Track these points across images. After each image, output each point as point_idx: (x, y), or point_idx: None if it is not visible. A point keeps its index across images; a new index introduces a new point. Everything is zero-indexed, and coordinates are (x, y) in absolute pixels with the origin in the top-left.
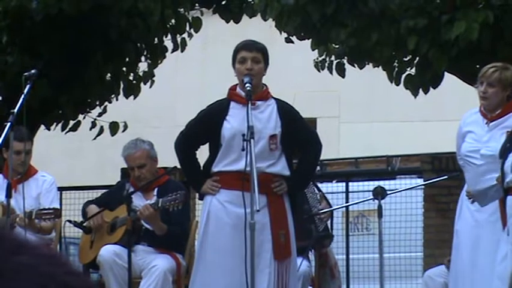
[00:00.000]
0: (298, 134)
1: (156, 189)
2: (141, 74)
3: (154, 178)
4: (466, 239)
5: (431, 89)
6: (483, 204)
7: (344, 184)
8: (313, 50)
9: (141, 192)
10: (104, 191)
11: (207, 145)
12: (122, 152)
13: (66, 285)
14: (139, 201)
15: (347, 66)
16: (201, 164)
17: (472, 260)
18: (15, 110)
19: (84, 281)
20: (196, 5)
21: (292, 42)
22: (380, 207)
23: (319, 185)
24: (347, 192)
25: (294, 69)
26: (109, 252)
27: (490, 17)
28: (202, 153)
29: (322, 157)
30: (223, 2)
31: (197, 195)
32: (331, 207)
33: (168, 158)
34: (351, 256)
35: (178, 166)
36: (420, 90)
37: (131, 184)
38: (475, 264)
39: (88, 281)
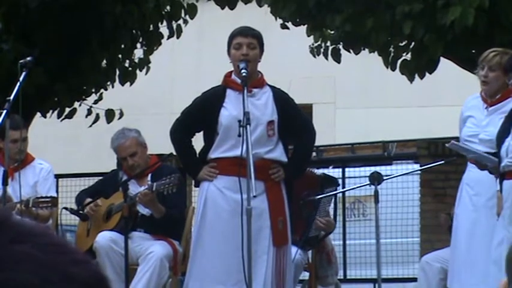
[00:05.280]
0: (293, 121)
1: (149, 175)
2: (136, 61)
3: (147, 167)
4: (463, 222)
5: (427, 74)
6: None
7: (340, 170)
8: (308, 36)
9: (135, 179)
10: (101, 178)
11: (201, 133)
12: (111, 144)
13: (69, 276)
14: (133, 188)
15: (343, 51)
16: (197, 152)
17: (468, 243)
18: (11, 97)
19: (90, 270)
20: None
21: (288, 28)
22: (376, 192)
23: (315, 170)
24: (343, 178)
25: (290, 55)
26: (105, 238)
27: (486, 2)
28: (197, 141)
29: (318, 143)
30: None
31: (193, 181)
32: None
33: (164, 145)
34: (347, 242)
35: (174, 153)
36: (416, 76)
37: (124, 172)
38: (471, 248)
39: (95, 270)
